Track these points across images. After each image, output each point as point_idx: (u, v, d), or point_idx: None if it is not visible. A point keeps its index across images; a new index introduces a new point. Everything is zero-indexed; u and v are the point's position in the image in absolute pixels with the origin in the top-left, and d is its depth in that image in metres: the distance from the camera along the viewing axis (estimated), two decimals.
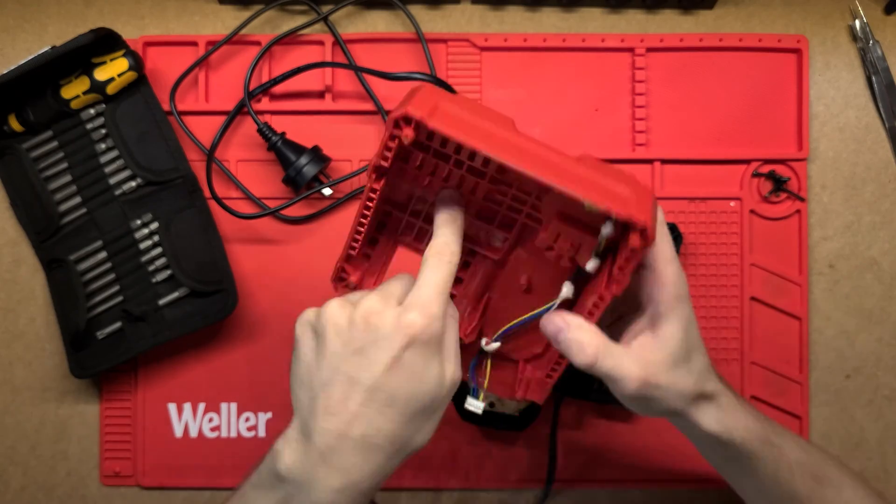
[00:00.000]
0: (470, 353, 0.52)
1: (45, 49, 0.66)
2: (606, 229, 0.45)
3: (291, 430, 0.45)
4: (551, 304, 0.48)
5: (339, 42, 0.70)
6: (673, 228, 0.66)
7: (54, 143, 0.68)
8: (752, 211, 0.70)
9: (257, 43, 0.70)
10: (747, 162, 0.70)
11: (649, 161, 0.70)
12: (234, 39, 0.70)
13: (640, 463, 0.70)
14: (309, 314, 0.46)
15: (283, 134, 0.68)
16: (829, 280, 0.71)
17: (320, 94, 0.71)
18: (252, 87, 0.69)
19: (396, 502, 0.71)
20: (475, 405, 0.52)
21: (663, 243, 0.47)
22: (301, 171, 0.67)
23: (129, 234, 0.68)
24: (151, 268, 0.68)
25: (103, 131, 0.68)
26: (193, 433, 0.70)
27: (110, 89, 0.67)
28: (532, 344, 0.53)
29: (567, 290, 0.48)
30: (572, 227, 0.48)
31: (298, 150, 0.68)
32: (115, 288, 0.68)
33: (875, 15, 0.72)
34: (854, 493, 0.53)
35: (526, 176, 0.43)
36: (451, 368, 0.45)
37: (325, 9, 0.70)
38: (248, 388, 0.70)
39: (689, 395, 0.48)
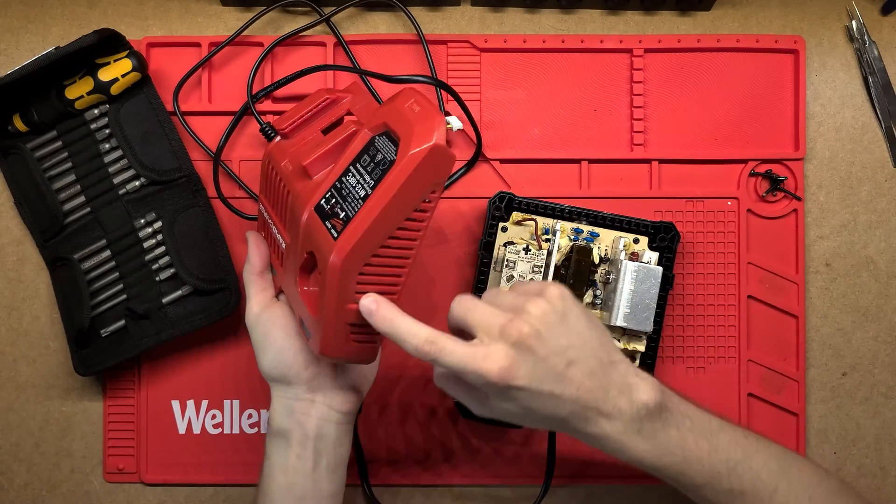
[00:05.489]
0: None
1: (50, 50, 0.66)
2: None
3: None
4: None
5: (341, 43, 0.71)
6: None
7: (58, 143, 0.69)
8: (749, 210, 0.71)
9: (260, 44, 0.71)
10: (744, 161, 0.71)
11: (647, 161, 0.71)
12: (236, 40, 0.71)
13: None
14: None
15: None
16: (825, 278, 0.72)
17: None
18: (255, 87, 0.69)
19: (395, 499, 0.71)
20: None
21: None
22: None
23: (132, 233, 0.69)
24: (155, 266, 0.69)
25: (107, 131, 0.69)
26: (196, 430, 0.71)
27: (114, 90, 0.68)
28: None
29: None
30: None
31: None
32: (119, 286, 0.69)
33: (871, 16, 0.72)
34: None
35: None
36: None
37: (327, 10, 0.71)
38: (251, 386, 0.71)
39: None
